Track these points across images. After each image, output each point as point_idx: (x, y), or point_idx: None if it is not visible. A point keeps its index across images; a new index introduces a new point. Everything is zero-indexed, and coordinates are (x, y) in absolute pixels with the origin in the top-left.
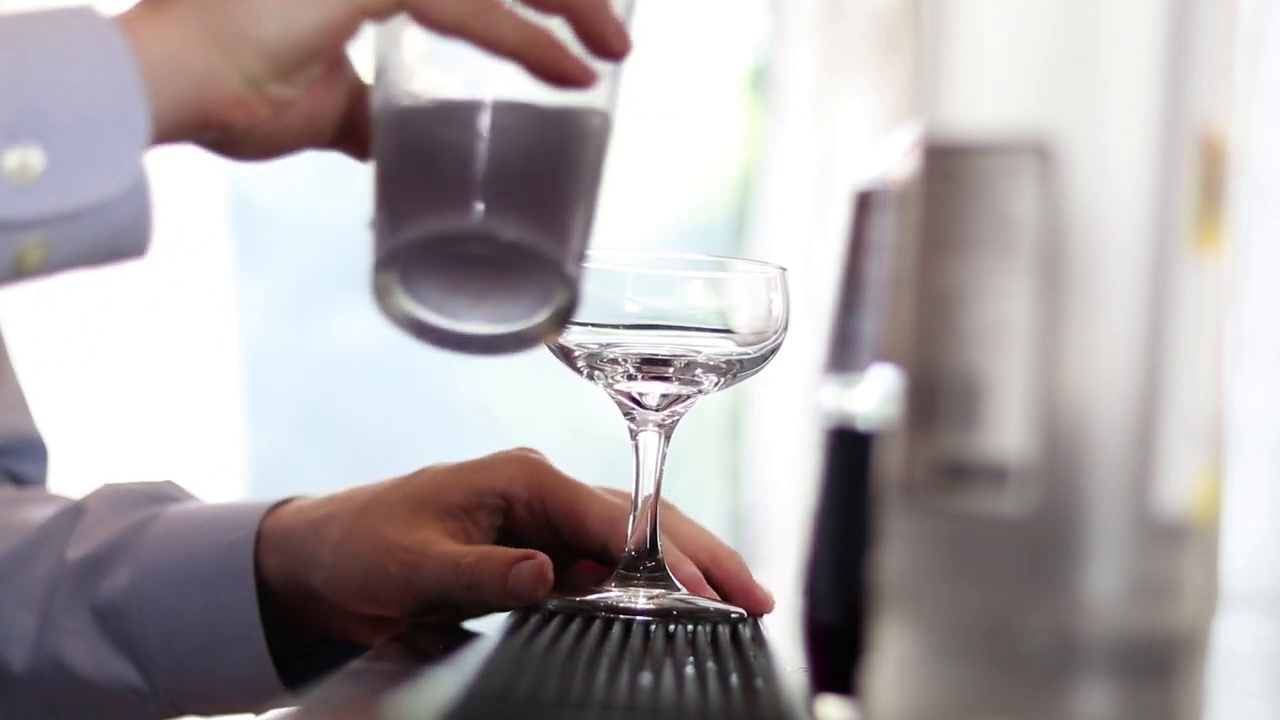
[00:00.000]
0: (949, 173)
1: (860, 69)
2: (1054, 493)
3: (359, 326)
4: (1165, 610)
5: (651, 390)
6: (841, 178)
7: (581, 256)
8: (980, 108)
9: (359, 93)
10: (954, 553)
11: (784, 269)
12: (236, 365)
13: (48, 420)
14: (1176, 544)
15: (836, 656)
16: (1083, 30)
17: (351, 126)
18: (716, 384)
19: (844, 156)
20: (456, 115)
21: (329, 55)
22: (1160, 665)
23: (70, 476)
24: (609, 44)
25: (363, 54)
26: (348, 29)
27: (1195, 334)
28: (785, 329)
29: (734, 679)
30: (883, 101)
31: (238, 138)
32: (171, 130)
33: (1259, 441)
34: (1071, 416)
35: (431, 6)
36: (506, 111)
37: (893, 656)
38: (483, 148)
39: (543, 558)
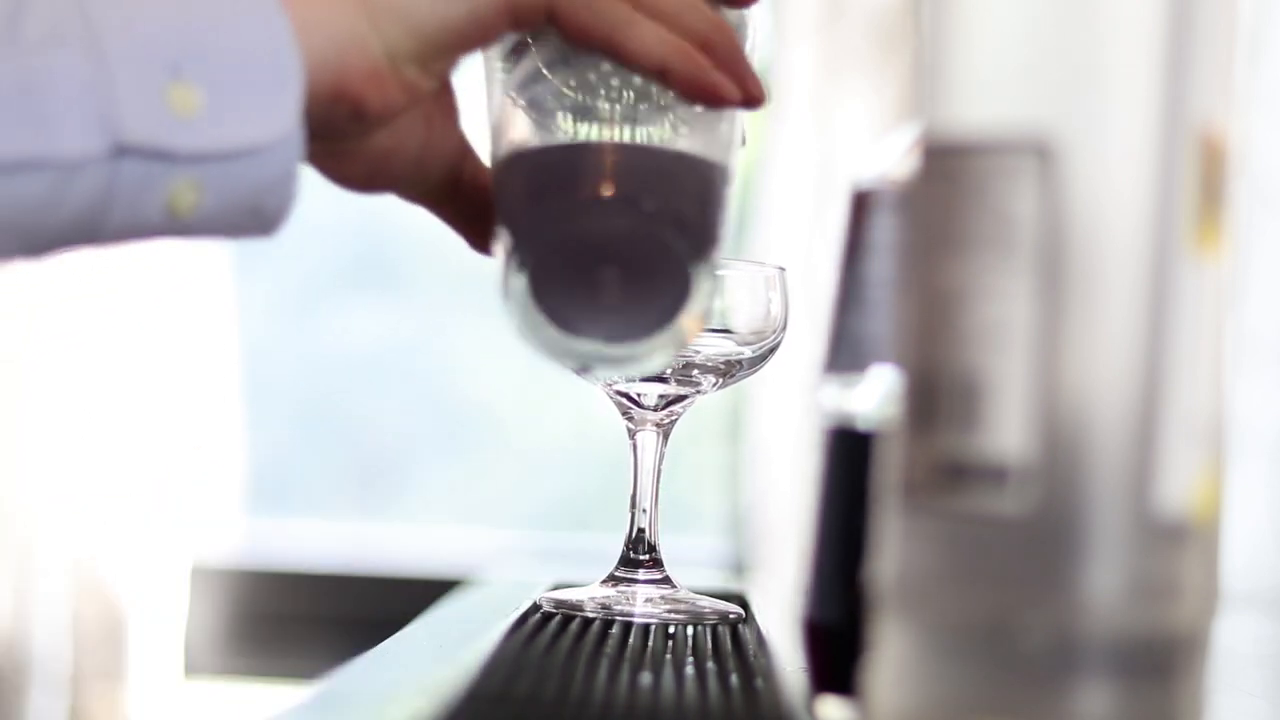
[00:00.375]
0: (949, 173)
1: (860, 69)
2: (1054, 493)
3: (359, 326)
4: (1165, 610)
5: (649, 390)
6: (841, 178)
7: (716, 260)
8: (980, 108)
9: (468, 157)
10: (954, 553)
11: (782, 269)
12: (236, 365)
13: (46, 418)
14: (1176, 544)
15: (836, 656)
16: (1083, 30)
17: (456, 185)
18: (715, 384)
19: (844, 156)
20: (591, 133)
21: (472, 46)
22: (1160, 665)
23: (71, 475)
24: (748, 89)
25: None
26: (496, 24)
27: (1195, 334)
28: (784, 329)
29: (734, 679)
30: (883, 101)
31: (354, 140)
32: (310, 97)
33: (1259, 441)
34: (1071, 416)
35: (576, 14)
36: (645, 126)
37: (893, 656)
38: (618, 155)
39: None
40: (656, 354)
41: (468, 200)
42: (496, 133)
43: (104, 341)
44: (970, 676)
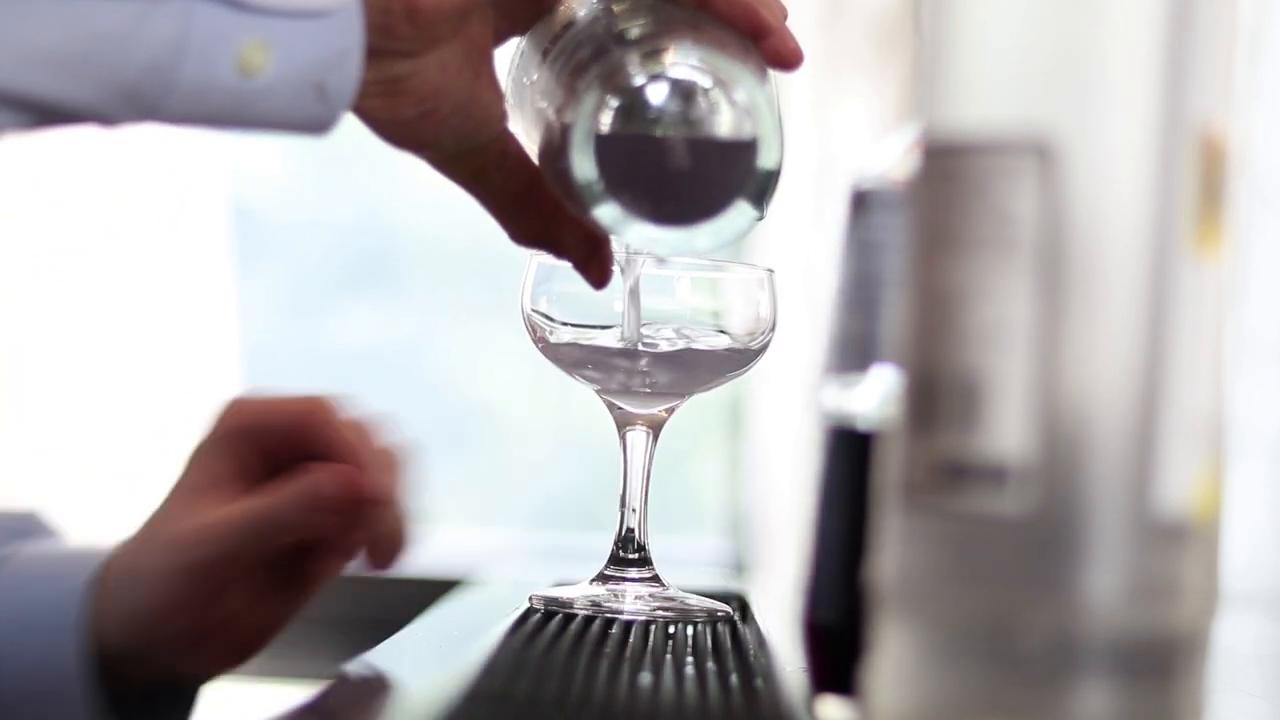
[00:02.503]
0: (949, 173)
1: (860, 69)
2: (1054, 493)
3: (359, 326)
4: (1165, 610)
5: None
6: (841, 178)
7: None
8: (980, 108)
9: (511, 141)
10: (954, 553)
11: (771, 270)
12: (237, 365)
13: (47, 419)
14: (1176, 544)
15: (836, 656)
16: (1083, 30)
17: (501, 161)
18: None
19: (844, 156)
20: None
21: None
22: (1160, 665)
23: (71, 474)
24: (785, 38)
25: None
26: None
27: (1195, 334)
28: (772, 329)
29: (734, 679)
30: (883, 101)
31: (407, 63)
32: None
33: (1259, 441)
34: (1071, 416)
35: None
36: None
37: (893, 656)
38: (659, 44)
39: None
40: (744, 208)
41: (511, 178)
42: (550, 108)
43: (105, 341)
44: (970, 676)
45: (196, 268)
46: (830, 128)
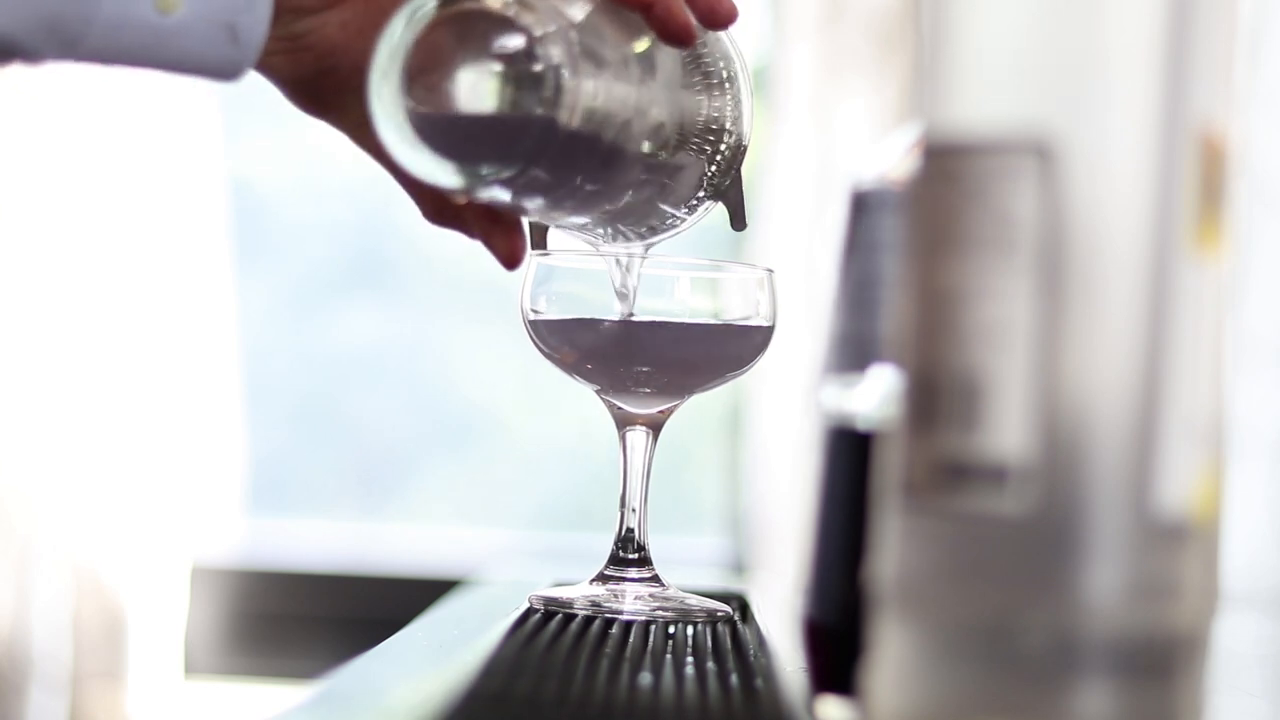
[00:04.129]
0: (949, 173)
1: (860, 69)
2: (1054, 493)
3: (359, 326)
4: (1165, 610)
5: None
6: (841, 178)
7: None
8: (980, 108)
9: None
10: (954, 553)
11: (771, 270)
12: (236, 365)
13: (47, 419)
14: (1176, 544)
15: (836, 656)
16: (1083, 30)
17: None
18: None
19: (844, 156)
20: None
21: None
22: (1160, 665)
23: (71, 475)
24: (718, 9)
25: None
26: None
27: (1195, 334)
28: (772, 329)
29: (734, 679)
30: (883, 101)
31: (308, 19)
32: None
33: (1259, 441)
34: (1071, 416)
35: None
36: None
37: (893, 656)
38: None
39: None
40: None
41: None
42: None
43: (104, 341)
44: (970, 676)
45: (196, 268)
46: (830, 128)
